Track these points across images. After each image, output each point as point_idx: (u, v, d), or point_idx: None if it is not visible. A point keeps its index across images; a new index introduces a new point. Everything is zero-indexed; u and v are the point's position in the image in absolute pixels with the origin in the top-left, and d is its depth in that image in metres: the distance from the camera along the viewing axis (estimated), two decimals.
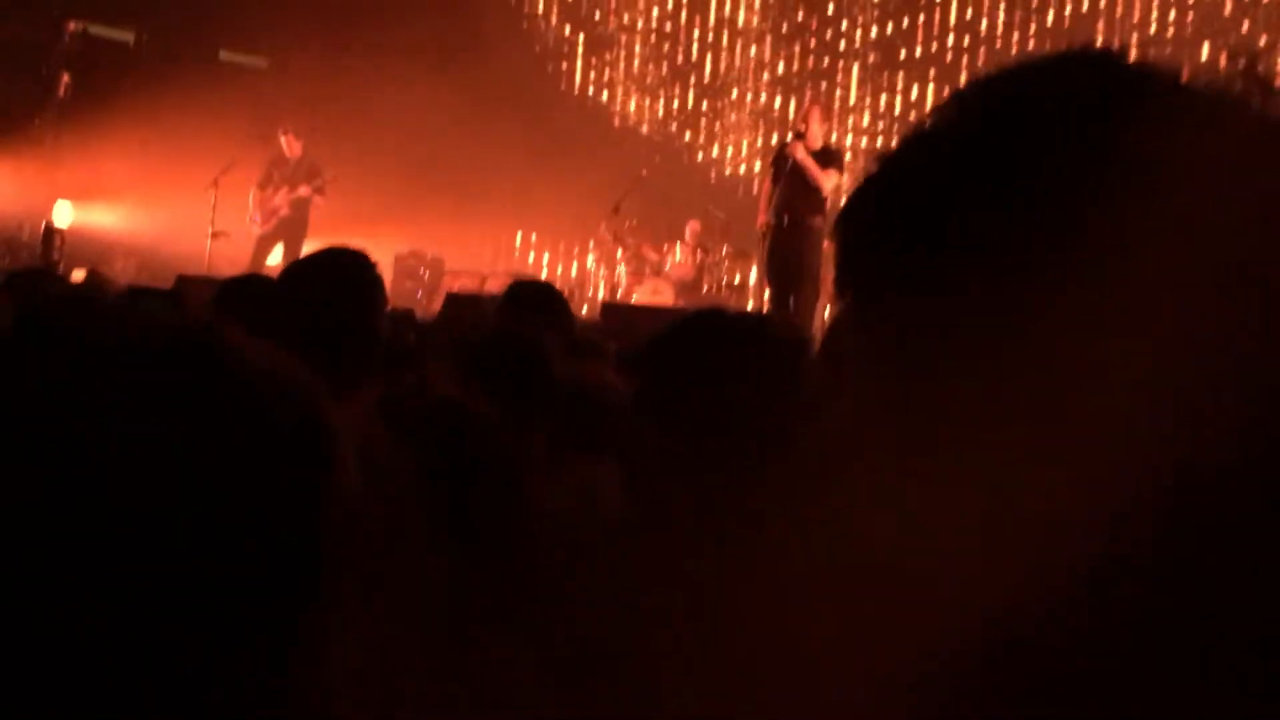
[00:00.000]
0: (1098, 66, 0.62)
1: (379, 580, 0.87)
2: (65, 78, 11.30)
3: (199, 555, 0.66)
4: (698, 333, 1.68)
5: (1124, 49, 0.62)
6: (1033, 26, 12.32)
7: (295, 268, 3.05)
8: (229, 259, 9.87)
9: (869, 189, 0.66)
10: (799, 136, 8.05)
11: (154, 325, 0.75)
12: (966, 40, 12.85)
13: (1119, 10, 11.80)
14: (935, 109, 0.65)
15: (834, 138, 8.48)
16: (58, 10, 11.54)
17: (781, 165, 8.06)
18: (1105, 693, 0.51)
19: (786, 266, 7.96)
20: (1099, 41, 11.70)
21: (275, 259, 10.36)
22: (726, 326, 1.71)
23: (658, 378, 1.65)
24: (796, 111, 13.35)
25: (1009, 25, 12.56)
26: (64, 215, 10.53)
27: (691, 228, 11.12)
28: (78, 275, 7.39)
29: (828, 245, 7.96)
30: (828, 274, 8.60)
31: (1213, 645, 0.51)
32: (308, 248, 9.64)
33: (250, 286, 3.36)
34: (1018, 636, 0.52)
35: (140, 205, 11.64)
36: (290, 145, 10.64)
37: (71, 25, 11.56)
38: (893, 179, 0.64)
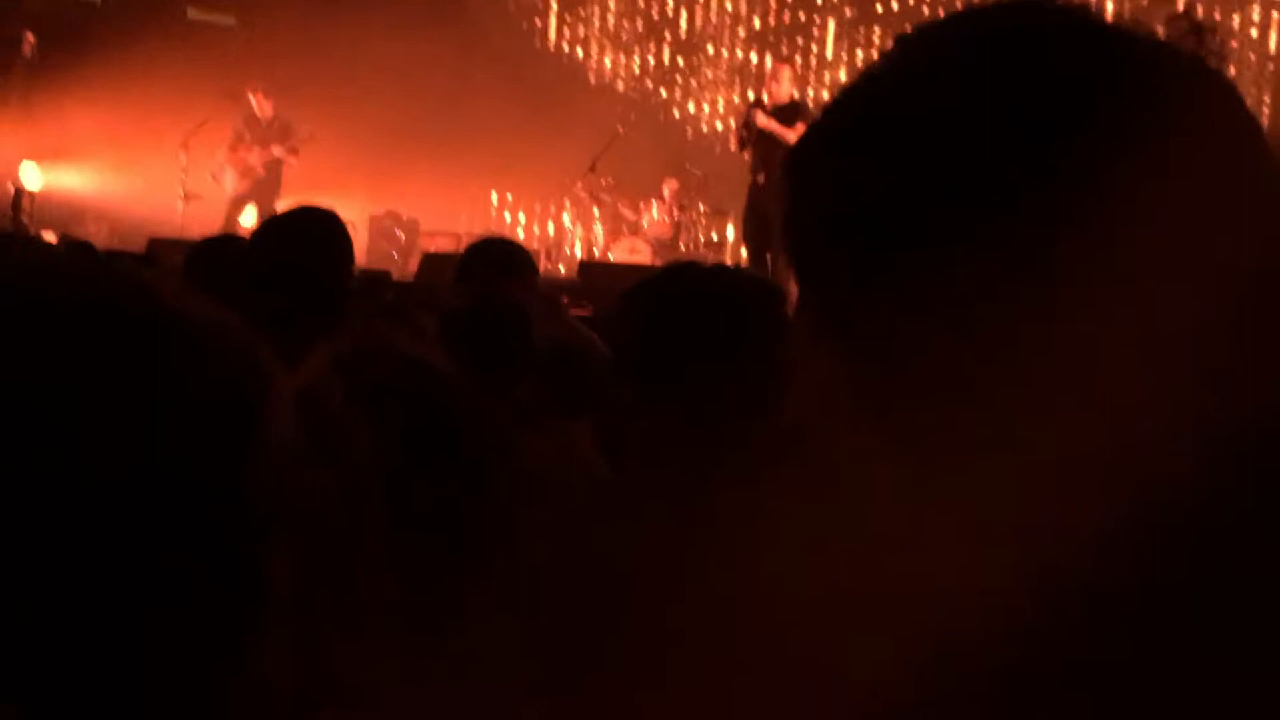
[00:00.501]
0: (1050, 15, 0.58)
1: (334, 536, 0.85)
2: (30, 37, 11.09)
3: (124, 507, 0.65)
4: (672, 288, 1.66)
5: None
6: None
7: (264, 228, 3.03)
8: (202, 221, 9.77)
9: (824, 175, 0.62)
10: (758, 104, 8.19)
11: (87, 281, 0.73)
12: None
13: None
14: (879, 70, 0.61)
15: (796, 95, 8.55)
16: None
17: (748, 133, 8.17)
18: (1094, 695, 0.50)
19: (765, 225, 8.04)
20: None
21: (249, 220, 10.26)
22: (701, 281, 1.69)
23: (632, 334, 1.63)
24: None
25: None
26: (32, 177, 10.37)
27: (669, 185, 11.07)
28: (49, 238, 7.30)
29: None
30: None
31: (1204, 648, 0.49)
32: (281, 208, 9.54)
33: (221, 248, 3.32)
34: (1007, 635, 0.51)
35: (111, 167, 11.48)
36: (261, 104, 10.52)
37: None
38: (848, 162, 0.60)
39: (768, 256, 8.04)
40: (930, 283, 0.54)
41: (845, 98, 0.61)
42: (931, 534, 0.54)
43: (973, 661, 0.51)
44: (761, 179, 8.01)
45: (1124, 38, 0.57)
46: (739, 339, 1.62)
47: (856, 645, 0.57)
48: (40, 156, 10.79)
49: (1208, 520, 0.49)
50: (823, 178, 0.60)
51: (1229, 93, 0.56)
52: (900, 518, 0.55)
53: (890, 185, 0.57)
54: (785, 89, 8.17)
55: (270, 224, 3.08)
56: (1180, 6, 9.20)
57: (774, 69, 8.67)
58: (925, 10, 12.86)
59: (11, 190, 9.84)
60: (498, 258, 3.50)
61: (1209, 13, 10.32)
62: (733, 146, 8.35)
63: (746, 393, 1.61)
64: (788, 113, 8.03)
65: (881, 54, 0.61)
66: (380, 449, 0.75)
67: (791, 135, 7.87)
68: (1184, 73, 0.56)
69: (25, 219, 9.50)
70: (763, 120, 7.96)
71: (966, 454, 0.53)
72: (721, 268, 1.78)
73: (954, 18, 0.60)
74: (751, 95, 13.47)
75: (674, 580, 1.43)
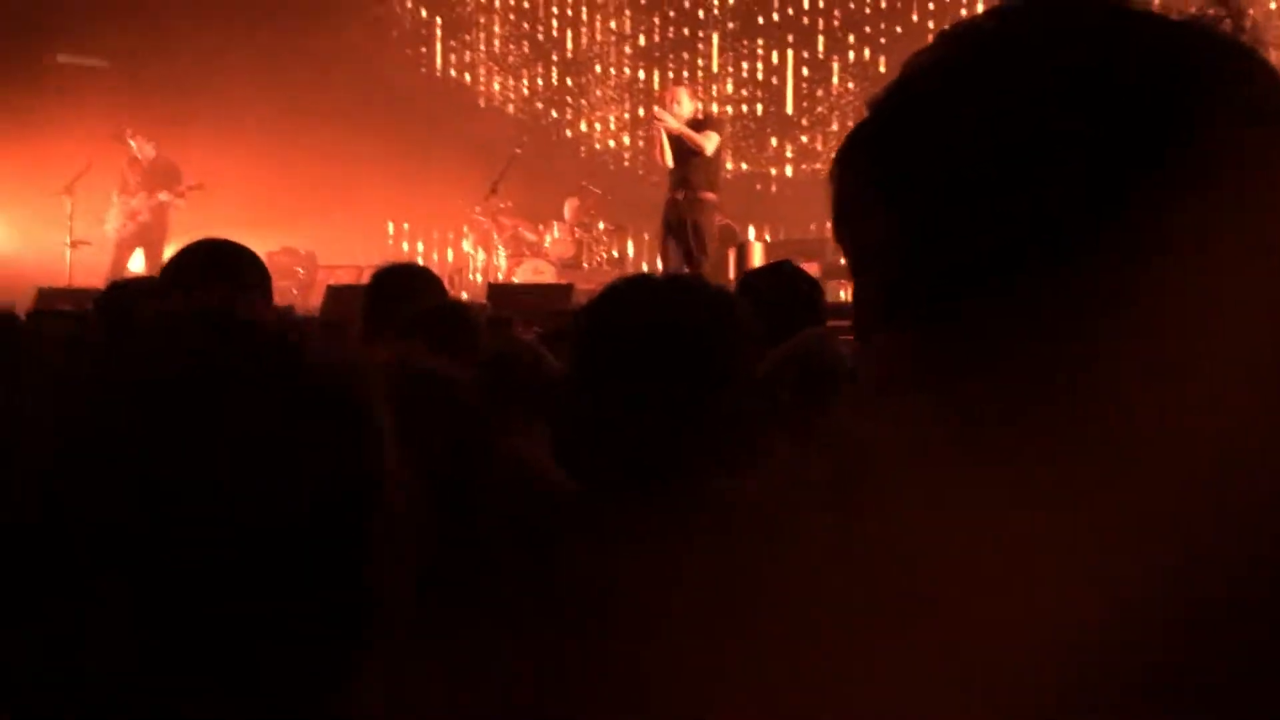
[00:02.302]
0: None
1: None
2: None
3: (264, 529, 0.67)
4: (631, 296, 1.66)
5: None
6: None
7: (174, 262, 2.94)
8: (88, 269, 9.48)
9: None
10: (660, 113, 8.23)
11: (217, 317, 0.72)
12: (821, 3, 13.04)
13: None
14: (920, 73, 0.60)
15: (699, 108, 8.61)
16: None
17: (655, 136, 8.21)
18: None
19: (683, 237, 8.11)
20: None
21: (137, 265, 10.00)
22: (658, 288, 1.69)
23: (593, 343, 1.62)
24: (661, 83, 13.39)
25: None
26: None
27: (570, 204, 11.07)
28: None
29: (728, 221, 8.09)
30: (728, 249, 8.74)
31: None
32: (169, 251, 9.30)
33: (131, 288, 3.22)
34: (1097, 667, 0.48)
35: None
36: (141, 146, 10.27)
37: None
38: (913, 190, 0.56)
39: (687, 269, 8.13)
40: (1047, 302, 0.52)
41: (904, 91, 0.59)
42: (1020, 561, 0.51)
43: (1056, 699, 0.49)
44: (681, 195, 8.06)
45: (1181, 30, 0.56)
46: (694, 343, 1.62)
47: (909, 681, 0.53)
48: None
49: None
50: (892, 164, 0.58)
51: (1275, 77, 0.56)
52: (981, 543, 0.53)
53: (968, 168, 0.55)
54: (686, 108, 8.24)
55: (180, 256, 2.98)
56: None
57: (671, 92, 8.71)
58: (805, 20, 13.11)
59: None
60: (404, 282, 3.45)
61: None
62: (658, 161, 8.36)
63: (702, 398, 1.61)
64: (695, 127, 8.06)
65: (925, 48, 0.60)
66: (415, 468, 0.74)
67: (703, 140, 7.95)
68: (1242, 61, 0.56)
69: None
70: (671, 125, 7.96)
71: (1067, 472, 0.51)
72: (673, 276, 1.78)
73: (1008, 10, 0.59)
74: (642, 111, 13.58)
75: (657, 603, 1.41)
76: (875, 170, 0.59)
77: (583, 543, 1.60)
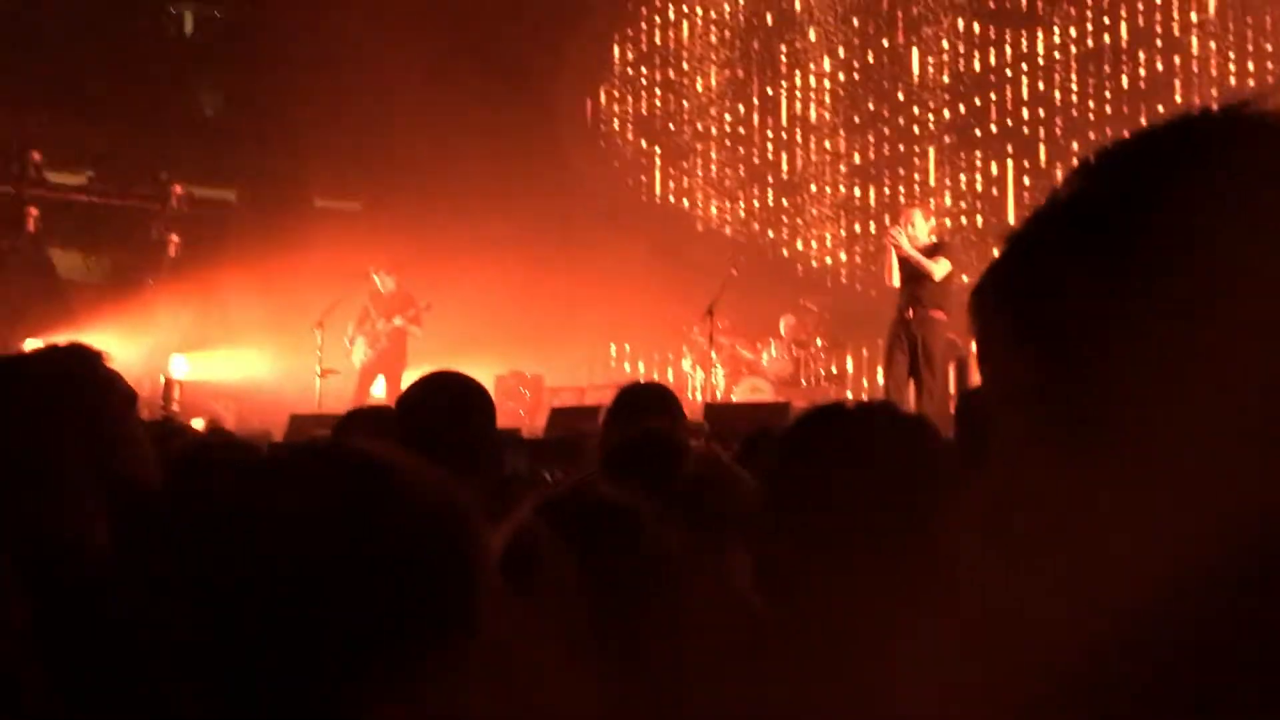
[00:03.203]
0: (1219, 130, 0.63)
1: (533, 665, 0.91)
2: (174, 238, 11.90)
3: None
4: (827, 423, 1.69)
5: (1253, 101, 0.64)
6: (1107, 92, 12.27)
7: (409, 395, 3.16)
8: (337, 395, 10.16)
9: (1003, 265, 0.68)
10: (896, 236, 8.27)
11: (326, 452, 0.83)
12: (1042, 112, 12.83)
13: (1194, 67, 11.70)
14: (1063, 184, 0.67)
15: (933, 227, 8.62)
16: (165, 176, 12.21)
17: (886, 258, 8.29)
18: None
19: (911, 356, 8.06)
20: (1178, 101, 11.60)
21: (379, 390, 10.62)
22: (855, 415, 1.72)
23: (790, 469, 1.66)
24: (878, 199, 13.42)
25: (1083, 93, 12.52)
26: (180, 368, 10.99)
27: (786, 322, 11.15)
28: (197, 424, 7.68)
29: (952, 336, 8.13)
30: (948, 364, 8.65)
31: None
32: (408, 376, 9.88)
33: (367, 417, 3.47)
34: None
35: (251, 352, 12.11)
36: (383, 280, 10.97)
37: (178, 189, 12.21)
38: (1024, 252, 0.66)
39: (912, 390, 8.04)
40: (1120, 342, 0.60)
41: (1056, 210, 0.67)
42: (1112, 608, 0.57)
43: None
44: (910, 313, 8.04)
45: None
46: (893, 469, 1.63)
47: None
48: (186, 346, 11.45)
49: None
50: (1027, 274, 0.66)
51: None
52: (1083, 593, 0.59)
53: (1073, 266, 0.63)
54: (921, 229, 8.28)
55: (413, 389, 3.21)
56: None
57: (905, 214, 8.75)
58: (1025, 130, 12.92)
59: (162, 381, 10.42)
60: (647, 398, 3.60)
61: None
62: (886, 281, 8.41)
63: (902, 522, 1.61)
64: (928, 253, 8.09)
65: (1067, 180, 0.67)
66: (583, 584, 0.80)
67: (932, 266, 7.95)
68: None
69: (174, 406, 10.03)
70: (905, 248, 8.01)
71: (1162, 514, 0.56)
72: (869, 403, 1.81)
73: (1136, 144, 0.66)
74: (858, 228, 13.62)
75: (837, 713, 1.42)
76: (1014, 310, 0.66)
77: (781, 668, 1.61)
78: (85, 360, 1.59)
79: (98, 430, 1.43)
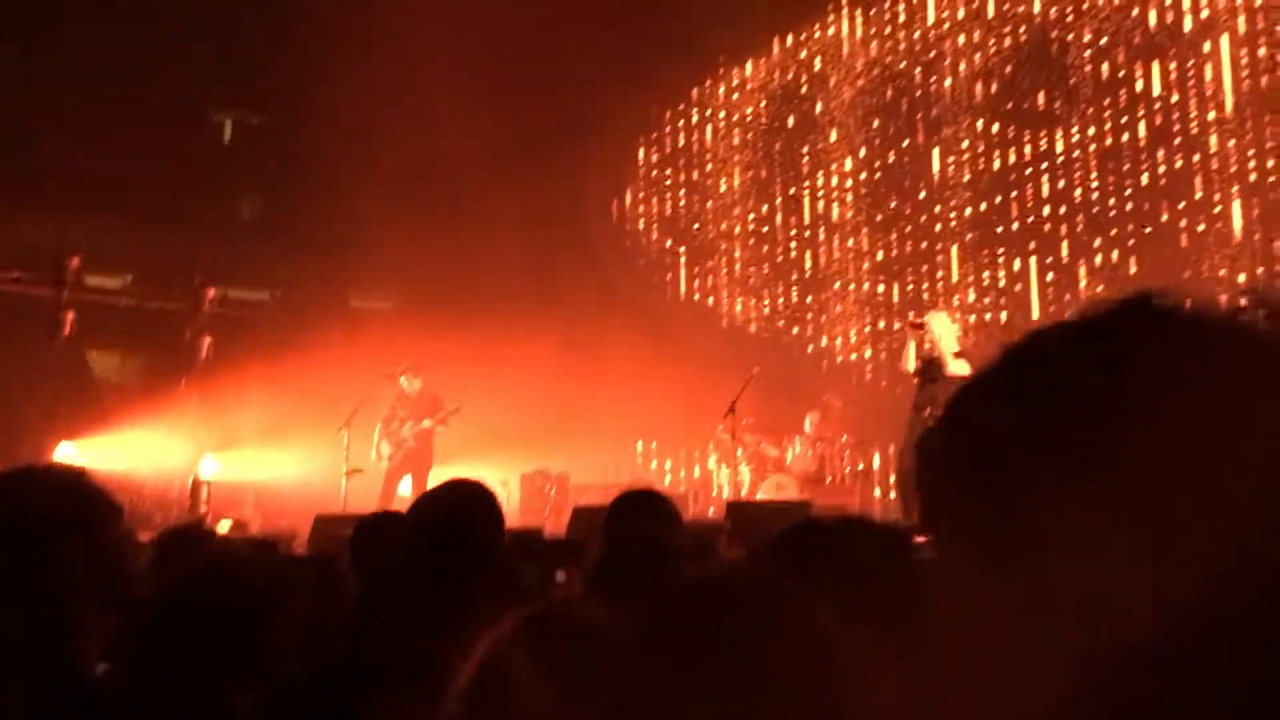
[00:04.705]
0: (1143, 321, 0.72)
1: None
2: (207, 340, 12.12)
3: None
4: (800, 538, 1.73)
5: (1172, 294, 0.72)
6: (1128, 189, 12.37)
7: (419, 502, 3.22)
8: (363, 495, 10.22)
9: (939, 440, 0.76)
10: (917, 326, 8.37)
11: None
12: (1063, 209, 12.93)
13: (1214, 164, 11.79)
14: (987, 367, 0.75)
15: (959, 335, 8.72)
16: (199, 280, 12.49)
17: (905, 343, 8.34)
18: None
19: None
20: (1198, 198, 11.68)
21: (405, 489, 10.67)
22: (830, 528, 1.76)
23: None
24: (901, 295, 13.50)
25: (1104, 190, 12.62)
26: (209, 469, 11.11)
27: (811, 418, 11.16)
28: (223, 526, 7.76)
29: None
30: None
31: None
32: (435, 475, 9.95)
33: (380, 522, 3.54)
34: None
35: (279, 451, 12.23)
36: (410, 382, 11.08)
37: (211, 292, 12.48)
38: (957, 432, 0.75)
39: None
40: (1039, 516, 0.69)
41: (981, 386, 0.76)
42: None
43: None
44: (926, 413, 8.13)
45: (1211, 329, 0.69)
46: (866, 582, 1.66)
47: None
48: (216, 447, 11.58)
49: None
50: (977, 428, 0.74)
51: None
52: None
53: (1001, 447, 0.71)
54: (949, 331, 8.41)
55: (425, 497, 3.27)
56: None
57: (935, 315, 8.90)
58: (1047, 226, 13.02)
59: (191, 482, 10.54)
60: (641, 503, 3.64)
61: None
62: (901, 366, 8.54)
63: (891, 630, 1.64)
64: (955, 355, 8.23)
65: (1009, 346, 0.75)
66: (561, 707, 0.83)
67: (955, 366, 8.04)
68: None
69: (203, 507, 10.12)
70: (935, 335, 8.20)
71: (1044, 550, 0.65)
72: (850, 517, 1.86)
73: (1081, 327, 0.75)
74: (883, 324, 13.69)
75: None
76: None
77: None
78: (76, 479, 1.63)
79: (97, 551, 1.48)
